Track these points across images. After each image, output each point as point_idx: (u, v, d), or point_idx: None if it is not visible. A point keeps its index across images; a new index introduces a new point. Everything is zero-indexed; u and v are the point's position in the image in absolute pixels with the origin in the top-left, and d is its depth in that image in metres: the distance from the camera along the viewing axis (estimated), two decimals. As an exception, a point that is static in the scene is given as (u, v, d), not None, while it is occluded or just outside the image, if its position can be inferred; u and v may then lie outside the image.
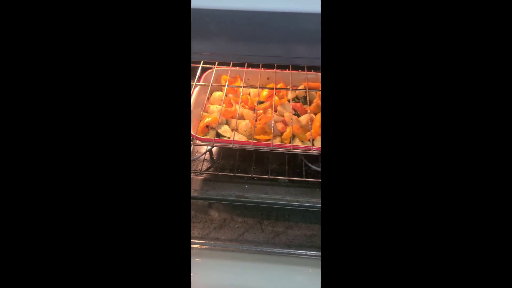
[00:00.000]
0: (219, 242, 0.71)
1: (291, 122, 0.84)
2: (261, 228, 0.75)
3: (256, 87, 0.95)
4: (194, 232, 0.74)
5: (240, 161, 0.90)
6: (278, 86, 0.97)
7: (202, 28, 0.52)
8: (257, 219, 0.78)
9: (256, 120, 0.85)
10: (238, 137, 0.83)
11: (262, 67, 0.99)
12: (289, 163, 0.89)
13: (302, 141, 0.82)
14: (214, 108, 0.91)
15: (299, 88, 0.97)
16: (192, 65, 0.88)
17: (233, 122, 0.86)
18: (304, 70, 0.99)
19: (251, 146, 0.77)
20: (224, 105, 0.90)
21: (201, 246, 0.70)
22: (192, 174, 0.85)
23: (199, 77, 0.96)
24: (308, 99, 0.91)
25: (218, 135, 0.84)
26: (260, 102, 0.93)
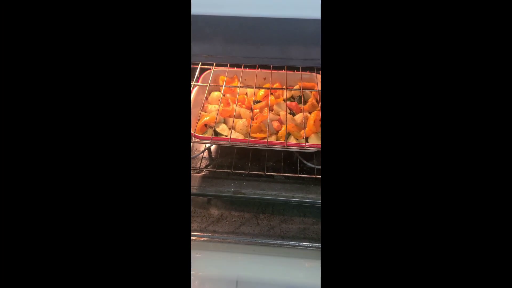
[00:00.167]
0: (216, 234, 0.75)
1: (286, 121, 0.87)
2: (257, 221, 0.79)
3: (252, 87, 0.98)
4: (193, 225, 0.77)
5: (237, 159, 0.93)
6: (274, 86, 1.00)
7: (200, 32, 0.55)
8: (253, 214, 0.81)
9: (252, 119, 0.88)
10: (235, 135, 0.86)
11: (258, 68, 1.02)
12: (284, 161, 0.92)
13: (296, 139, 0.86)
14: (212, 107, 0.94)
15: (294, 88, 1.00)
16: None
17: (231, 121, 0.89)
18: (299, 71, 1.02)
19: (247, 143, 0.81)
20: (221, 104, 0.93)
21: (200, 238, 0.74)
22: (191, 172, 0.88)
23: (198, 78, 1.00)
24: (302, 98, 0.95)
25: (216, 133, 0.88)
26: (256, 102, 0.96)
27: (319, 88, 0.96)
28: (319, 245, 0.73)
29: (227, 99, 0.97)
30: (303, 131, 0.86)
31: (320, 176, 0.85)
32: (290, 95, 1.00)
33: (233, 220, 0.79)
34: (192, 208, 0.83)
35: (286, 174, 0.87)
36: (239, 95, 0.97)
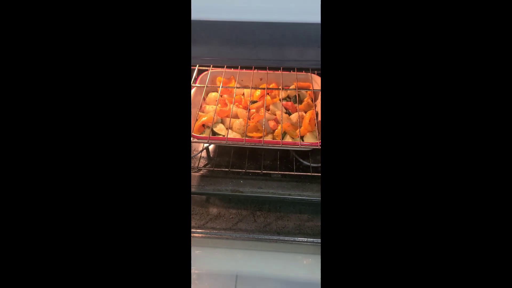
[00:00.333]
0: (214, 231, 0.77)
1: (281, 120, 0.89)
2: (253, 218, 0.81)
3: (249, 88, 1.00)
4: (192, 223, 0.79)
5: (235, 158, 0.95)
6: (270, 86, 1.02)
7: (197, 35, 0.57)
8: (250, 211, 0.83)
9: (249, 119, 0.90)
10: (233, 135, 0.88)
11: (254, 69, 1.04)
12: (281, 159, 0.94)
13: (292, 138, 0.88)
14: (210, 108, 0.96)
15: (290, 88, 1.02)
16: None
17: (228, 120, 0.91)
18: (294, 71, 1.04)
19: (244, 142, 0.83)
20: (219, 105, 0.95)
21: (198, 235, 0.76)
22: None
23: (195, 79, 1.02)
24: (297, 98, 0.97)
25: (214, 133, 0.90)
26: (253, 102, 0.98)
27: (314, 87, 0.98)
28: (314, 239, 0.76)
29: (224, 99, 0.99)
30: (298, 130, 0.87)
31: (315, 174, 0.87)
32: (286, 95, 1.02)
33: (231, 217, 0.81)
34: (191, 207, 0.85)
35: (283, 172, 0.89)
36: (236, 95, 0.99)
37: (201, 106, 0.97)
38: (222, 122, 0.93)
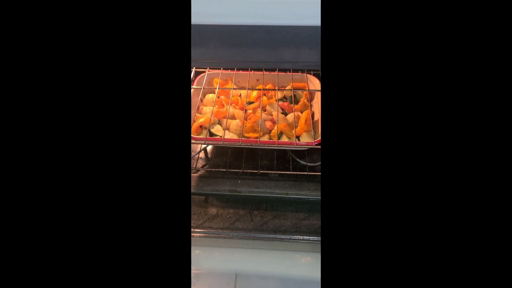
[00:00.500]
0: (212, 230, 0.78)
1: (277, 120, 0.90)
2: (251, 217, 0.82)
3: (245, 89, 1.01)
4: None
5: (232, 159, 0.96)
6: (267, 87, 1.03)
7: (194, 39, 0.58)
8: (247, 210, 0.84)
9: (246, 119, 0.91)
10: (230, 135, 0.89)
11: (251, 70, 1.04)
12: (278, 159, 0.95)
13: (289, 138, 0.89)
14: (207, 109, 0.97)
15: (286, 88, 1.03)
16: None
17: (225, 121, 0.92)
18: (290, 72, 1.05)
19: (240, 143, 0.84)
20: (216, 106, 0.96)
21: (196, 234, 0.77)
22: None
23: (193, 81, 1.03)
24: (293, 98, 0.98)
25: (211, 134, 0.91)
26: (249, 103, 0.99)
27: (310, 88, 0.99)
28: (310, 237, 0.77)
29: (221, 100, 1.00)
30: (294, 130, 0.89)
31: (312, 173, 0.88)
32: (282, 96, 1.03)
33: (228, 216, 0.83)
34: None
35: (280, 172, 0.90)
36: (232, 96, 1.00)
37: (198, 108, 0.98)
38: (219, 123, 0.94)
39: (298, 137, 0.89)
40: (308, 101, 0.98)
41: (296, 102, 0.99)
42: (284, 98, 1.03)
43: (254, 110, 0.96)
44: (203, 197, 0.89)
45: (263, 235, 0.76)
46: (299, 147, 0.84)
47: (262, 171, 0.90)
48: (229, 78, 1.06)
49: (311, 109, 0.96)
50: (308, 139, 0.88)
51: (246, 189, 0.86)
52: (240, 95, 1.04)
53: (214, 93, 1.01)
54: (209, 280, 0.77)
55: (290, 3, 0.53)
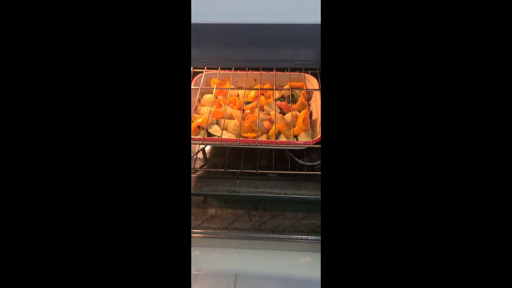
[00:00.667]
0: (210, 231, 0.78)
1: (275, 120, 0.90)
2: (249, 217, 0.82)
3: (243, 89, 1.01)
4: (189, 223, 0.80)
5: (231, 159, 0.96)
6: (265, 86, 1.03)
7: (192, 38, 0.58)
8: (246, 210, 0.84)
9: (244, 119, 0.91)
10: (228, 135, 0.89)
11: (248, 70, 1.04)
12: (276, 159, 0.95)
13: (287, 137, 0.89)
14: (205, 109, 0.97)
15: (284, 88, 1.03)
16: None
17: (223, 121, 0.92)
18: (288, 71, 1.05)
19: (238, 143, 0.83)
20: (214, 106, 0.96)
21: (194, 235, 0.77)
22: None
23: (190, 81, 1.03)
24: (291, 98, 0.98)
25: (209, 134, 0.90)
26: (247, 102, 0.99)
27: (308, 87, 0.99)
28: (308, 237, 0.76)
29: (219, 101, 0.99)
30: (292, 129, 0.88)
31: (310, 172, 0.88)
32: (280, 95, 1.03)
33: (227, 217, 0.82)
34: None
35: (278, 172, 0.90)
36: (230, 96, 1.00)
37: (196, 108, 0.98)
38: (217, 123, 0.94)
39: (296, 137, 0.89)
40: (306, 100, 0.98)
41: (294, 101, 0.99)
42: (282, 98, 1.03)
43: (252, 110, 0.96)
44: (201, 198, 0.89)
45: (261, 235, 0.76)
46: (297, 146, 0.84)
47: (260, 171, 0.90)
48: (226, 78, 1.06)
49: (309, 109, 0.96)
50: (306, 138, 0.88)
51: (245, 189, 0.86)
52: (238, 95, 1.03)
53: (212, 93, 1.01)
54: (209, 281, 0.77)
55: (286, 1, 0.53)
